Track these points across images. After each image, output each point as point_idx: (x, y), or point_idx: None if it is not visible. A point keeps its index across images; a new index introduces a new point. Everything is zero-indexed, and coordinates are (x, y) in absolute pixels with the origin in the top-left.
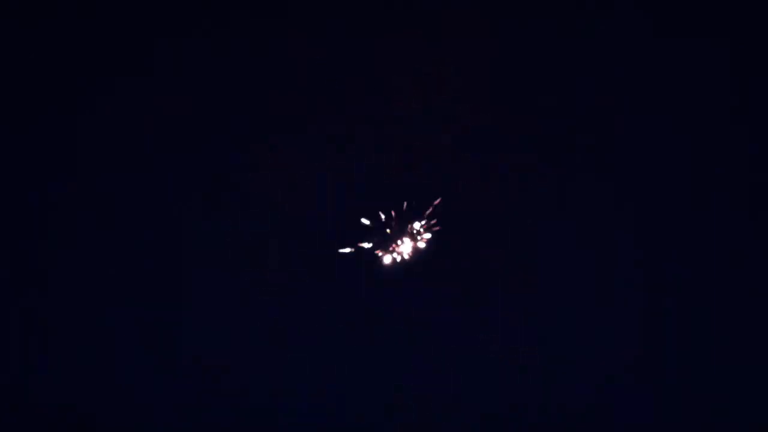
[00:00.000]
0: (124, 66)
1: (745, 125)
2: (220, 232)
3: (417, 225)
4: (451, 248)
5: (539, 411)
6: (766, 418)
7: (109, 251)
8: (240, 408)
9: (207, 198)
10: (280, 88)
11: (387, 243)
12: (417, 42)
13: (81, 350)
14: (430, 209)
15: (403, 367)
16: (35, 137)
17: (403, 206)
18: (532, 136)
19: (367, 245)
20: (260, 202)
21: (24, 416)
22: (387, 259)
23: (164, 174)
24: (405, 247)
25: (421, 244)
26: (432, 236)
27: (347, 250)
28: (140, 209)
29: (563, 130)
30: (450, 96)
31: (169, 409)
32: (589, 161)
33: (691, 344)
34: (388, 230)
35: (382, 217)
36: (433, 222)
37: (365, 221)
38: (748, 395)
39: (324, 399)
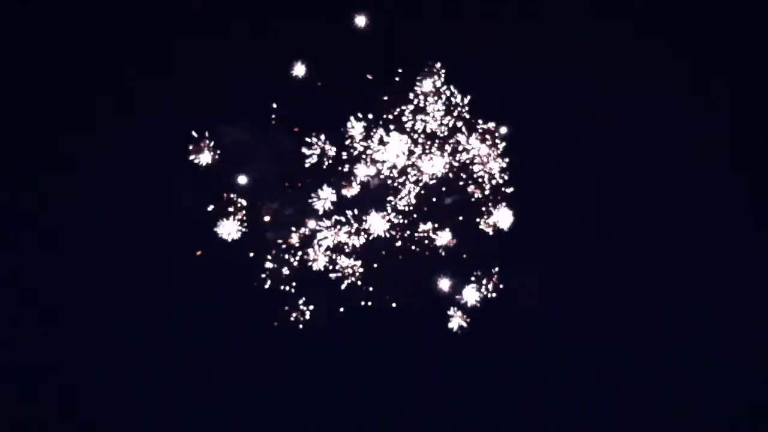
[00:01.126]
0: (124, 65)
1: (745, 125)
2: (220, 233)
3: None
4: (450, 249)
5: (539, 411)
6: (766, 418)
7: (108, 251)
8: (240, 408)
9: (207, 198)
10: (279, 87)
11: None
12: (418, 41)
13: (80, 350)
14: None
15: (403, 367)
16: (35, 137)
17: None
18: (533, 136)
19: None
20: (259, 202)
21: (24, 416)
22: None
23: (163, 173)
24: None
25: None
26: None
27: (351, 258)
28: (140, 209)
29: (563, 129)
30: (450, 95)
31: (169, 409)
32: (588, 161)
33: (692, 345)
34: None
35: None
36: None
37: (367, 221)
38: (748, 395)
39: (324, 399)
